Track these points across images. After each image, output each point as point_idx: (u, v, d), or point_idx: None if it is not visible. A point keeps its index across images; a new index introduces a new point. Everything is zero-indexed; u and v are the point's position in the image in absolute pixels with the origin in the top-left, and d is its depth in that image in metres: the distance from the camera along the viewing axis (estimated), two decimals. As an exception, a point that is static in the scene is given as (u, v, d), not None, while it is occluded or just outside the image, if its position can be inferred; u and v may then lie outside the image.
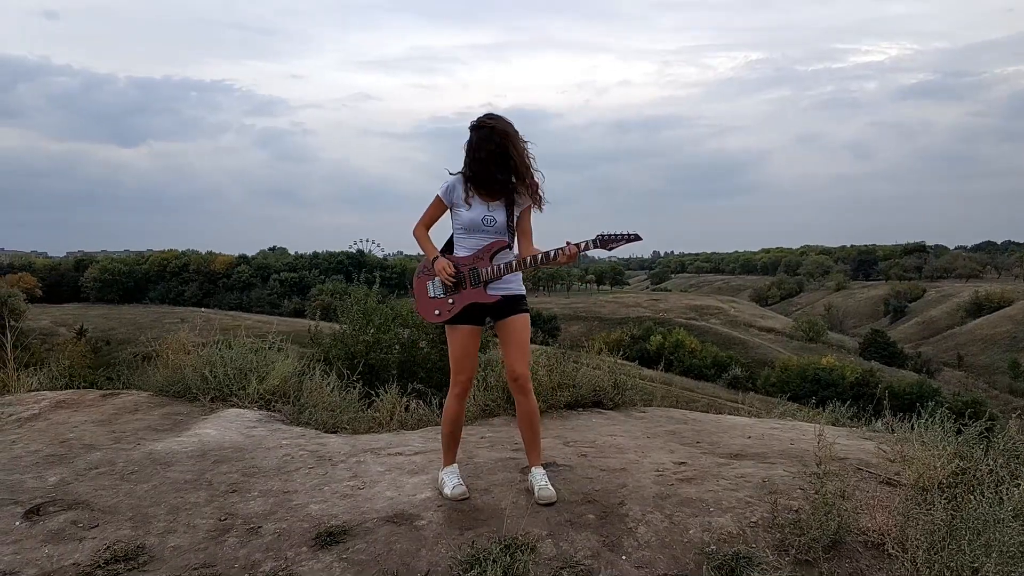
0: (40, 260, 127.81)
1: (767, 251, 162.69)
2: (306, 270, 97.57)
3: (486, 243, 3.45)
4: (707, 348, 60.05)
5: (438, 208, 3.55)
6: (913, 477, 3.26)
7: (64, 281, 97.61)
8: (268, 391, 5.52)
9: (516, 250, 3.57)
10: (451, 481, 3.52)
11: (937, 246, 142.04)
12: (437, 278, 3.47)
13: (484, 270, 3.41)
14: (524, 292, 3.56)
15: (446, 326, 3.49)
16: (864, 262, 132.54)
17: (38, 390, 6.29)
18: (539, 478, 3.46)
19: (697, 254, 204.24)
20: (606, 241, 3.23)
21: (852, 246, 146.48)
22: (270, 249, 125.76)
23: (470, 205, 3.44)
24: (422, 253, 3.62)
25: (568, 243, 3.28)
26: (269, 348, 6.00)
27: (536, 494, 3.38)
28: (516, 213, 3.50)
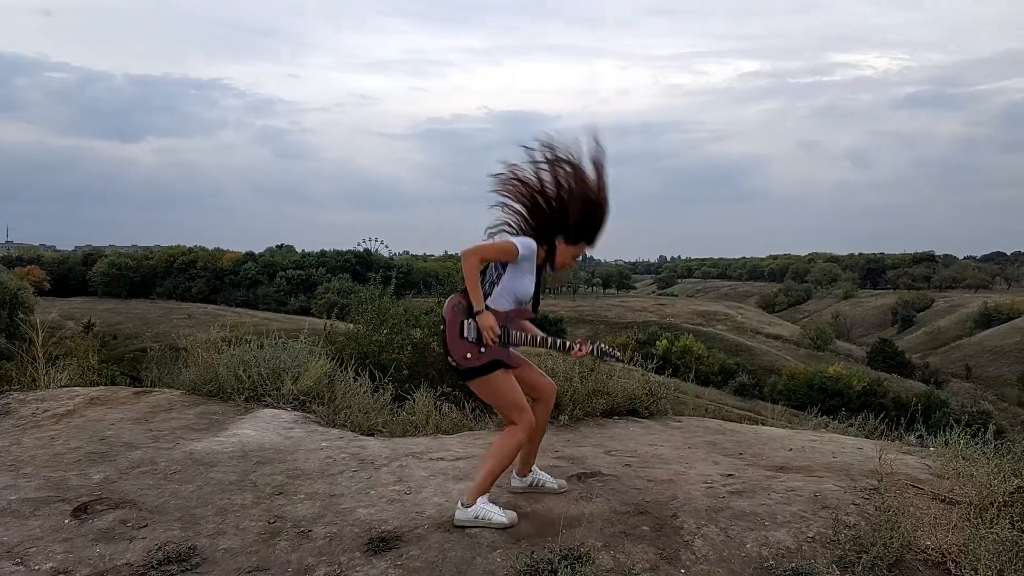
0: (49, 253, 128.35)
1: (774, 257, 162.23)
2: (313, 268, 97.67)
3: (518, 309, 3.41)
4: (714, 354, 59.93)
5: (502, 255, 3.29)
6: (973, 495, 3.23)
7: (72, 275, 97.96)
8: (302, 391, 5.52)
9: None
10: (496, 508, 3.32)
11: (946, 256, 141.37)
12: (473, 323, 3.29)
13: (515, 334, 3.37)
14: None
15: (484, 377, 3.32)
16: (872, 270, 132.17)
17: (68, 386, 6.31)
18: (546, 474, 3.75)
19: (704, 259, 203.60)
20: (603, 354, 3.48)
21: (860, 254, 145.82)
22: (277, 247, 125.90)
23: (530, 277, 3.39)
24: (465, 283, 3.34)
25: (581, 345, 3.46)
26: (300, 348, 6.00)
27: (553, 484, 3.68)
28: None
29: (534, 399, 3.53)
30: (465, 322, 3.32)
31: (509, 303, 3.38)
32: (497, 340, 3.29)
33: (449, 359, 3.33)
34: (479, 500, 3.30)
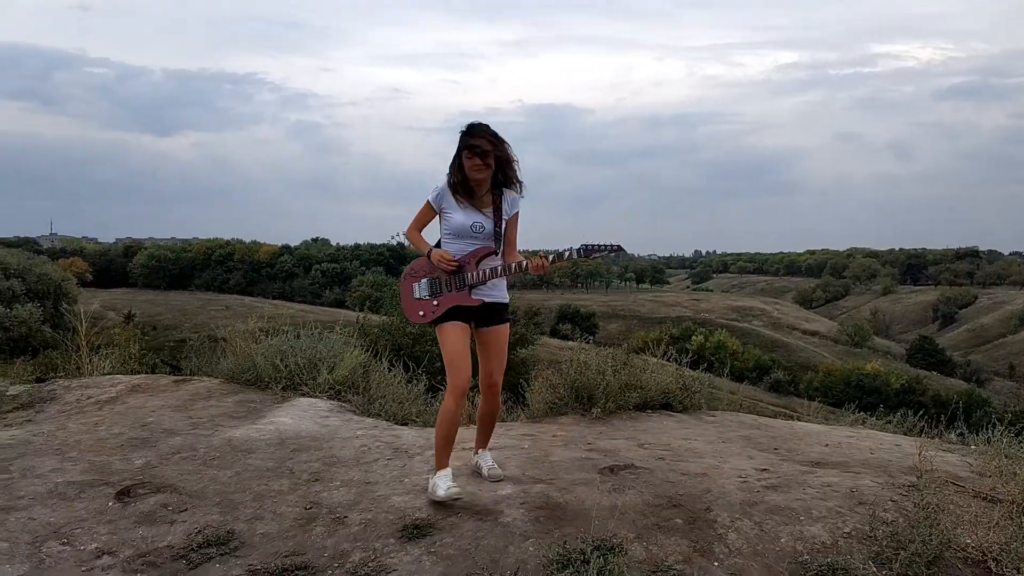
0: (91, 245, 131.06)
1: (812, 252, 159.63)
2: (347, 261, 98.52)
3: (473, 248, 3.54)
4: (749, 350, 59.28)
5: (427, 213, 3.65)
6: (1016, 493, 3.17)
7: (113, 266, 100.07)
8: (337, 381, 5.59)
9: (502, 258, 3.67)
10: (444, 483, 3.42)
11: (990, 251, 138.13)
12: (423, 280, 3.57)
13: (469, 274, 3.51)
14: (507, 301, 3.70)
15: (436, 328, 3.55)
16: (913, 266, 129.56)
17: (110, 373, 6.46)
18: (489, 459, 3.87)
19: (740, 254, 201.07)
20: (588, 251, 3.38)
21: (900, 249, 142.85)
22: (312, 240, 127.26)
23: (459, 211, 3.55)
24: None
25: (550, 254, 3.46)
26: (335, 339, 6.07)
27: (488, 473, 3.76)
28: (504, 220, 3.63)
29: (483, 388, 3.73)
30: (415, 284, 3.57)
31: (456, 245, 3.55)
32: (453, 269, 3.48)
33: (410, 322, 3.52)
34: (435, 474, 3.52)
